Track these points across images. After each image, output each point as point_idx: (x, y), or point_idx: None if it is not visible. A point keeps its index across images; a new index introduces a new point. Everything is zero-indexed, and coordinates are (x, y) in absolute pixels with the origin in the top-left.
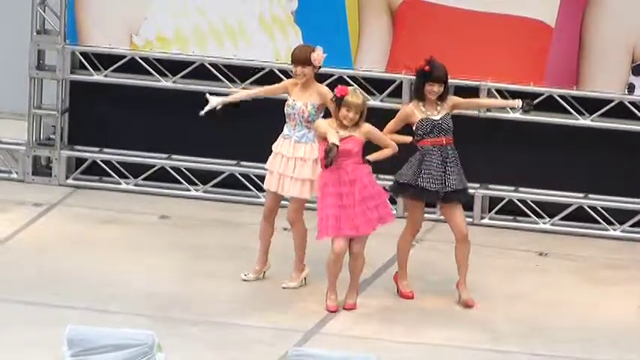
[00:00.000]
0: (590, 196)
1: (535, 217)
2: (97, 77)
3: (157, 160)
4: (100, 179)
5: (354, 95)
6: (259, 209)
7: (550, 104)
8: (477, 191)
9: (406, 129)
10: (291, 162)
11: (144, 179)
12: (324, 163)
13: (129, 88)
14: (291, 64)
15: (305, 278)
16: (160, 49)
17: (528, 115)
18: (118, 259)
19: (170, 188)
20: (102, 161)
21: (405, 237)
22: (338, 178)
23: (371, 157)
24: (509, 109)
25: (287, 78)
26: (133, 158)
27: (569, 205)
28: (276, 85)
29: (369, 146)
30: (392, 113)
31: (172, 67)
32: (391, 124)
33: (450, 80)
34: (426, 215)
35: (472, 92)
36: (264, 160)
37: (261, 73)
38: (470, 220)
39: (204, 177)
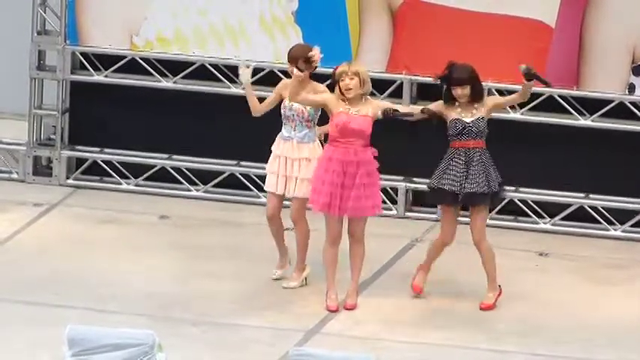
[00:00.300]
0: (591, 196)
1: (535, 217)
2: (98, 78)
3: (158, 160)
4: (100, 179)
5: (345, 65)
6: (259, 209)
7: (550, 104)
8: None
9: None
10: (296, 163)
11: (144, 179)
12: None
13: (129, 89)
14: (288, 63)
15: (306, 278)
16: (160, 49)
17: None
18: (118, 259)
19: (170, 188)
20: (102, 161)
21: (435, 242)
22: (345, 157)
23: (398, 113)
24: (509, 109)
25: (287, 78)
26: (133, 158)
27: (570, 205)
28: (270, 98)
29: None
30: None
31: (173, 67)
32: (430, 106)
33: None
34: (425, 215)
35: None
36: (265, 160)
37: (261, 74)
38: (467, 220)
39: (204, 177)
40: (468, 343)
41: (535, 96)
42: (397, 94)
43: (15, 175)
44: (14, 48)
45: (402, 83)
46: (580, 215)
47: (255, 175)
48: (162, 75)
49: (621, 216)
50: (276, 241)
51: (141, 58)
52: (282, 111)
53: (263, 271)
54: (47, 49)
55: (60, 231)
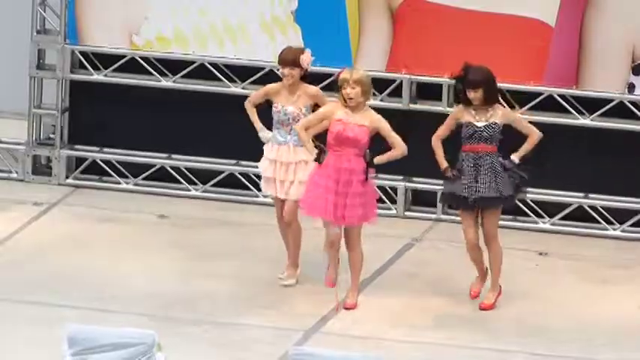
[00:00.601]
0: (590, 195)
1: (535, 217)
2: (97, 77)
3: (157, 159)
4: (99, 179)
5: (349, 71)
6: (259, 208)
7: (550, 104)
8: None
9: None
10: (292, 166)
11: (144, 179)
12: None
13: (129, 88)
14: (279, 65)
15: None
16: (160, 48)
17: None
18: (118, 259)
19: (170, 188)
20: (102, 161)
21: (467, 248)
22: (338, 164)
23: (377, 160)
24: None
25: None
26: (132, 158)
27: (569, 204)
28: (257, 94)
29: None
30: (392, 113)
31: (173, 66)
32: (442, 129)
33: (449, 80)
34: (425, 215)
35: None
36: None
37: (261, 73)
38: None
39: (204, 176)
40: (468, 343)
41: (535, 95)
42: (397, 93)
43: (14, 175)
44: (14, 47)
45: (401, 82)
46: (579, 215)
47: (255, 175)
48: (162, 74)
49: (621, 216)
50: (286, 242)
51: (141, 58)
52: (274, 115)
53: (263, 271)
54: (47, 48)
55: (59, 230)
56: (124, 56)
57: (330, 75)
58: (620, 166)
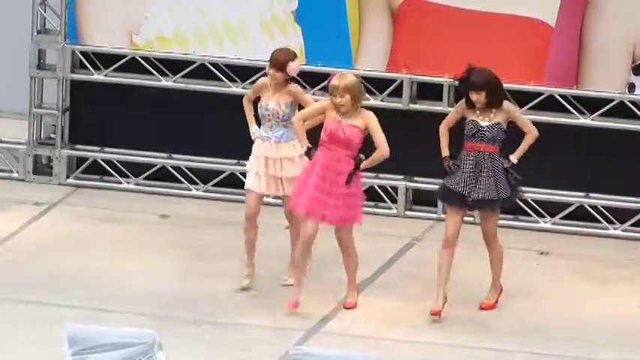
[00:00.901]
0: (591, 195)
1: (536, 216)
2: (98, 77)
3: (158, 159)
4: (100, 178)
5: (338, 78)
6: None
7: (550, 104)
8: None
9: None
10: (278, 162)
11: (144, 178)
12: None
13: (129, 88)
14: (268, 65)
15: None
16: (160, 48)
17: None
18: (118, 259)
19: (171, 187)
20: (102, 160)
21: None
22: (327, 161)
23: (362, 165)
24: None
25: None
26: (133, 157)
27: (570, 204)
28: (251, 90)
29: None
30: (392, 113)
31: (173, 66)
32: (449, 116)
33: (449, 80)
34: (425, 214)
35: None
36: None
37: (261, 73)
38: (470, 219)
39: (204, 176)
40: (467, 343)
41: (535, 95)
42: (397, 93)
43: (15, 175)
44: (14, 47)
45: (401, 82)
46: (580, 214)
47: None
48: (162, 74)
49: (621, 215)
50: (248, 248)
51: (141, 57)
52: (259, 111)
53: (263, 270)
54: (47, 47)
55: (60, 230)
56: (124, 56)
57: (329, 75)
58: (621, 165)
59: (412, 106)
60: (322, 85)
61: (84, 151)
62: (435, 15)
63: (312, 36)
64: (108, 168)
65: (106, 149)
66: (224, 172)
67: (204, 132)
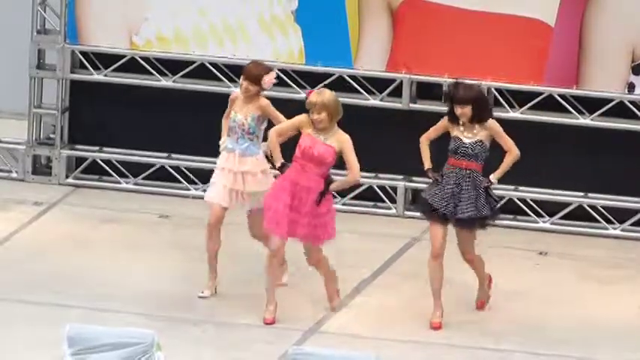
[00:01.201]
0: (590, 195)
1: (535, 216)
2: (97, 76)
3: (157, 159)
4: (99, 178)
5: (316, 95)
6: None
7: (550, 104)
8: None
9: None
10: (240, 176)
11: (144, 178)
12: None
13: (129, 88)
14: (242, 77)
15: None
16: (160, 48)
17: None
18: (117, 259)
19: (170, 187)
20: (102, 160)
21: (429, 263)
22: (298, 179)
23: (332, 187)
24: (508, 108)
25: (287, 77)
26: (132, 157)
27: (569, 204)
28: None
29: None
30: (392, 113)
31: (172, 66)
32: (432, 130)
33: (449, 80)
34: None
35: None
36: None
37: None
38: None
39: (203, 176)
40: (467, 343)
41: (535, 95)
42: (397, 93)
43: (14, 174)
44: (14, 47)
45: (401, 82)
46: (579, 214)
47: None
48: (162, 74)
49: (620, 215)
50: (210, 257)
51: (141, 57)
52: (228, 122)
53: (263, 270)
54: (47, 48)
55: (59, 230)
56: (124, 56)
57: (330, 75)
58: (620, 165)
59: (412, 106)
60: (322, 85)
61: (83, 151)
62: (435, 15)
63: (312, 36)
64: (107, 168)
65: (106, 149)
66: None
67: (204, 132)
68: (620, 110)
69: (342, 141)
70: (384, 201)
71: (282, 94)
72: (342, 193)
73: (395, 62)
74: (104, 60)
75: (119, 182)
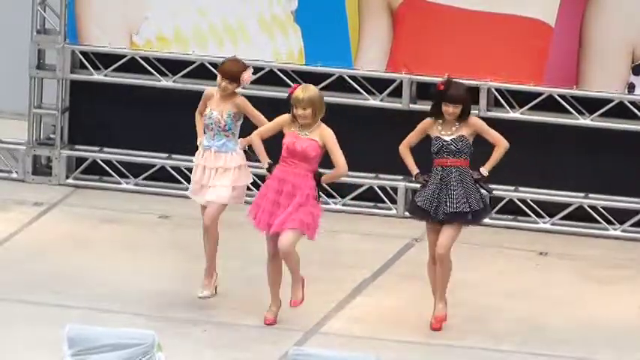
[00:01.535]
0: (590, 195)
1: (535, 217)
2: (97, 77)
3: (157, 159)
4: (100, 179)
5: (300, 90)
6: None
7: (550, 104)
8: None
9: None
10: (213, 171)
11: (144, 179)
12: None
13: (129, 88)
14: (218, 74)
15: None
16: (160, 48)
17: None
18: (118, 259)
19: (170, 188)
20: (102, 161)
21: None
22: (283, 175)
23: (323, 179)
24: (508, 108)
25: (287, 77)
26: (133, 158)
27: (570, 204)
28: (201, 105)
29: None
30: (392, 113)
31: (172, 66)
32: (411, 136)
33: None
34: None
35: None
36: None
37: (261, 73)
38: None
39: None
40: (467, 343)
41: (535, 95)
42: (397, 93)
43: (15, 175)
44: (14, 47)
45: (401, 83)
46: (579, 215)
47: (255, 175)
48: (162, 74)
49: (621, 215)
50: (208, 255)
51: (141, 57)
52: (204, 119)
53: (262, 271)
54: (47, 48)
55: (59, 230)
56: (124, 56)
57: (330, 75)
58: (620, 166)
59: (412, 106)
60: (321, 85)
61: (83, 151)
62: (435, 15)
63: (312, 36)
64: (107, 168)
65: (106, 149)
66: None
67: None
68: (620, 110)
69: (324, 135)
70: (384, 201)
71: (282, 94)
72: (343, 194)
73: (395, 62)
74: (104, 60)
75: (119, 182)
